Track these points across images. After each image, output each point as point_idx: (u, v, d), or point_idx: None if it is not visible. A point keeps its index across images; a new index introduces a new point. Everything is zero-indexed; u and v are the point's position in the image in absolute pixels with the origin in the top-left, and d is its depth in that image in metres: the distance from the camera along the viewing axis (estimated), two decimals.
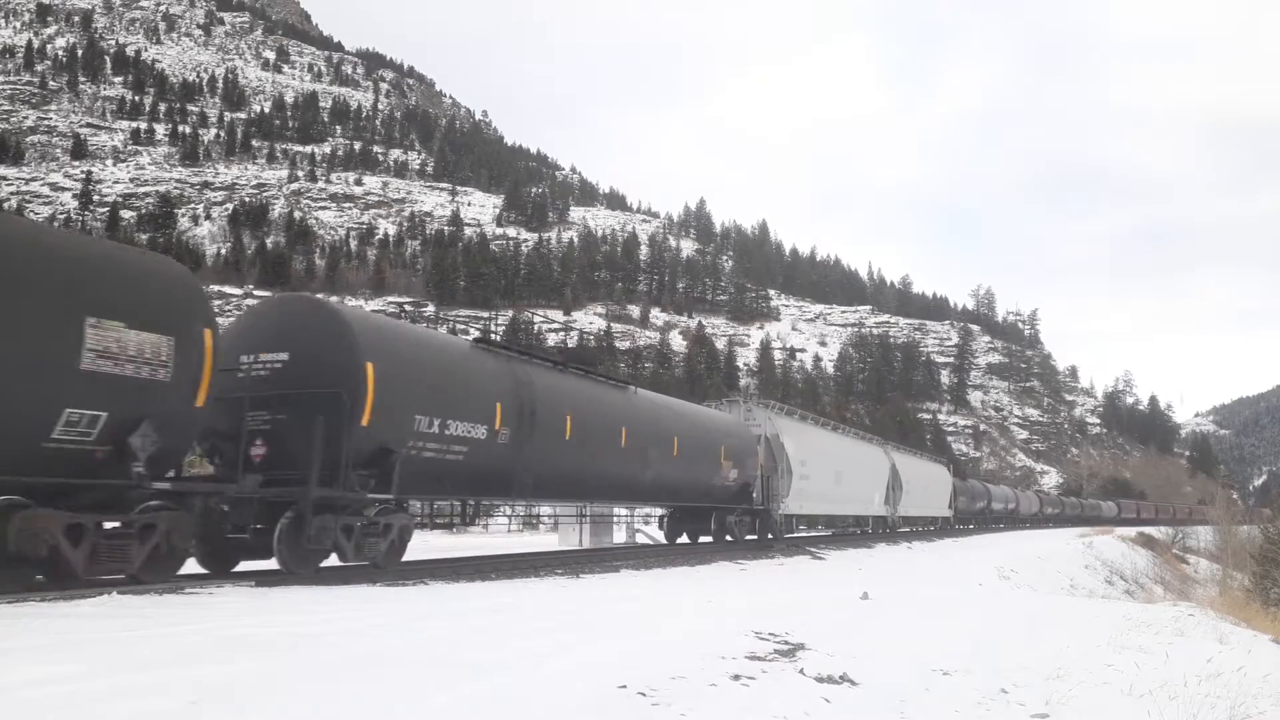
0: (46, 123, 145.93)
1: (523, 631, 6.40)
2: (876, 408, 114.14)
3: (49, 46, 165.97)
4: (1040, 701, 5.38)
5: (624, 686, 4.75)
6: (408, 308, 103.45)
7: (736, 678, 5.31)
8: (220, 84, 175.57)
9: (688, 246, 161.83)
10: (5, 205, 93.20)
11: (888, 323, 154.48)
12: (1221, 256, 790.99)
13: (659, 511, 23.68)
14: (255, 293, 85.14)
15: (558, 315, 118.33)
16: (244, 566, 10.58)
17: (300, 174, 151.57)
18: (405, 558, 11.97)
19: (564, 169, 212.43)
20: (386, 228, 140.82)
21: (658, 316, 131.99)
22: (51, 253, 7.95)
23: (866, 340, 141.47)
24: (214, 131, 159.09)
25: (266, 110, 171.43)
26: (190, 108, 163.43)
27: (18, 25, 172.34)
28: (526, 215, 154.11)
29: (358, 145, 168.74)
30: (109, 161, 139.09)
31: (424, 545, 19.27)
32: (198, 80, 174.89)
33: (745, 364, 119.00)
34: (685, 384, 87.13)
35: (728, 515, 21.15)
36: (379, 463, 10.71)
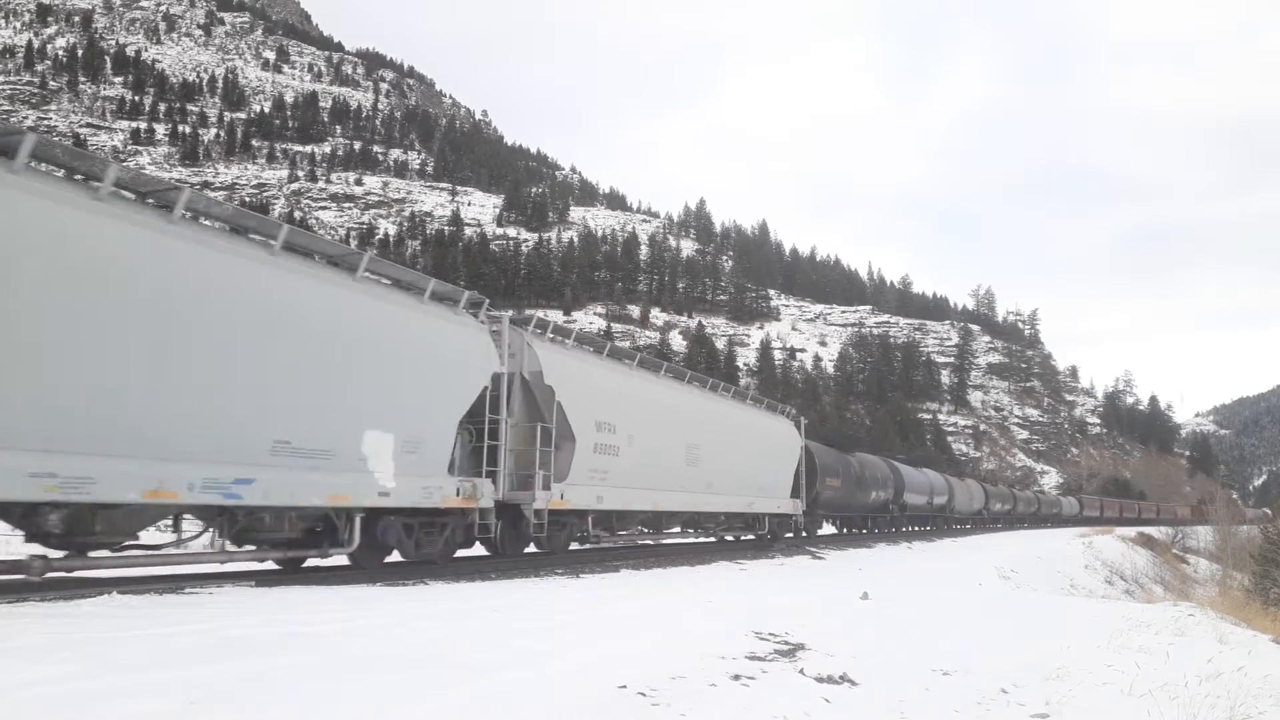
0: (46, 123, 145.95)
1: (522, 631, 6.40)
2: (877, 408, 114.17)
3: (49, 46, 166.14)
4: (1040, 701, 5.37)
5: (624, 687, 4.75)
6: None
7: (736, 678, 5.31)
8: (220, 84, 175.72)
9: (688, 246, 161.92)
10: None
11: (888, 323, 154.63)
12: (1221, 256, 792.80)
13: None
14: None
15: (558, 315, 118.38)
16: None
17: (300, 174, 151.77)
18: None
19: (564, 169, 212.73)
20: (386, 228, 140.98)
21: (658, 316, 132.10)
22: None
23: (866, 340, 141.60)
24: (214, 131, 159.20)
25: (266, 110, 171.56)
26: (190, 108, 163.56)
27: (18, 25, 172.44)
28: (526, 215, 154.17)
29: (358, 145, 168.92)
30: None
31: None
32: (198, 80, 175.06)
33: (745, 364, 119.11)
34: None
35: None
36: None
